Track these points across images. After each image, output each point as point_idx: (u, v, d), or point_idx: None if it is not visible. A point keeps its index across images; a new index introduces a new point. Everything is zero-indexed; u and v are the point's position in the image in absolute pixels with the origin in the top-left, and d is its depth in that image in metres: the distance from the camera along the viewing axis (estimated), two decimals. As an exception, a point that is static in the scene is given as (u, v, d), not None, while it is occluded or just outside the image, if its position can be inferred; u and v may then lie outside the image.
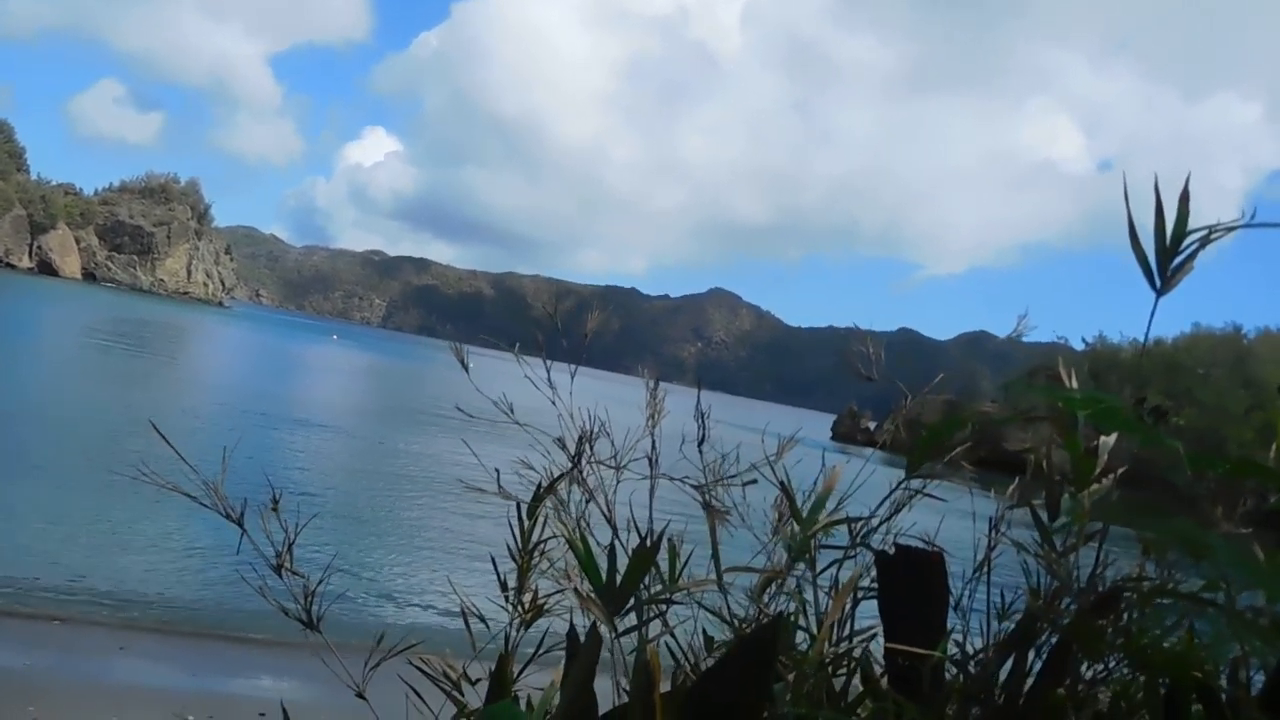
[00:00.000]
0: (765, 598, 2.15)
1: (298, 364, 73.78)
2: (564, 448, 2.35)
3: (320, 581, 2.48)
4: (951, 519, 2.24)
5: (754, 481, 2.29)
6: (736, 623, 2.13)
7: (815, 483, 2.16)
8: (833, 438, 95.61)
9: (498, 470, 2.39)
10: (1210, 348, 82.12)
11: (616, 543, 2.01)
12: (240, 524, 2.44)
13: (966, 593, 2.06)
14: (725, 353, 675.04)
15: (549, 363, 2.57)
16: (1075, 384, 2.13)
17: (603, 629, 1.86)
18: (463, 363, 2.47)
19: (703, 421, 2.61)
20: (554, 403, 2.37)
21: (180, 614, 11.02)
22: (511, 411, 2.42)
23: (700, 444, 2.57)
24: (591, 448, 2.31)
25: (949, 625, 1.97)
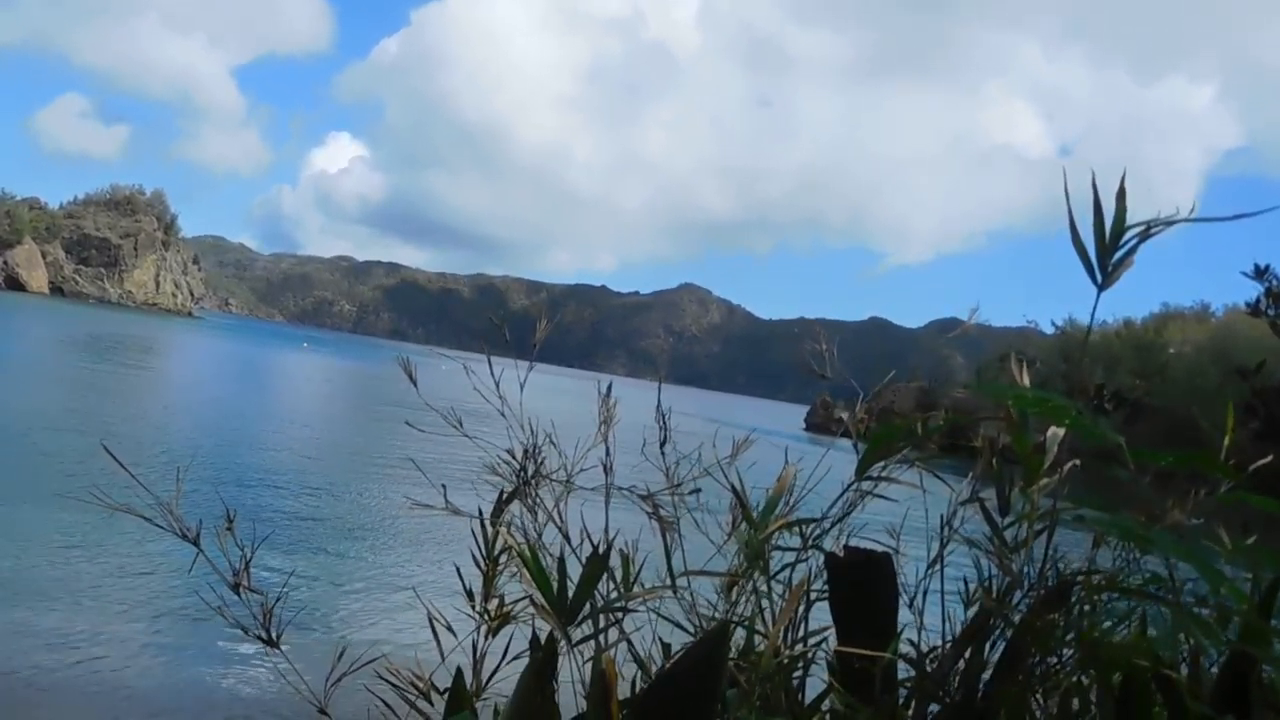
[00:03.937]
0: (725, 602, 2.15)
1: (268, 374, 73.29)
2: (515, 459, 2.35)
3: (278, 598, 2.46)
4: (916, 510, 2.24)
5: (697, 491, 2.29)
6: (695, 628, 2.13)
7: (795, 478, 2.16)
8: (806, 429, 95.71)
9: (444, 486, 2.37)
10: (1180, 326, 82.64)
11: (566, 553, 2.01)
12: (196, 543, 2.42)
13: (922, 589, 2.06)
14: (697, 347, 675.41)
15: (517, 364, 2.56)
16: (1035, 371, 2.14)
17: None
18: (410, 375, 2.45)
19: (664, 422, 2.60)
20: (503, 414, 2.36)
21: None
22: (461, 425, 2.41)
23: (662, 445, 2.56)
24: (537, 463, 2.30)
25: (904, 623, 1.98)
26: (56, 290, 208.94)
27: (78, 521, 14.06)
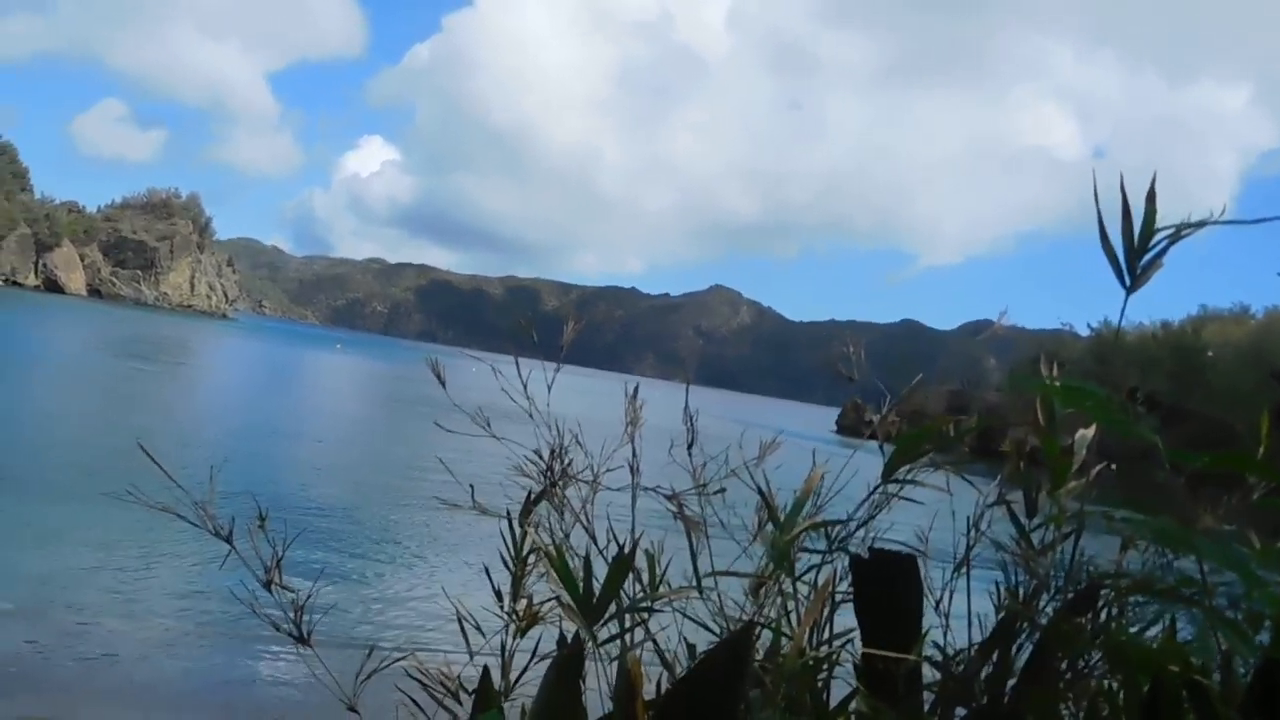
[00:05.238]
0: (753, 603, 2.15)
1: (305, 375, 74.08)
2: (542, 460, 2.36)
3: (309, 596, 2.48)
4: (944, 513, 2.23)
5: (722, 490, 2.29)
6: (720, 629, 2.13)
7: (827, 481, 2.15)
8: (838, 431, 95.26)
9: (471, 486, 2.39)
10: (1219, 328, 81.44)
11: (593, 553, 2.02)
12: (229, 540, 2.44)
13: (949, 592, 2.06)
14: (727, 349, 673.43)
15: (544, 364, 2.58)
16: (1068, 374, 2.13)
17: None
18: (439, 376, 2.47)
19: (691, 423, 2.61)
20: (531, 415, 2.37)
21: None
22: (489, 425, 2.43)
23: (690, 447, 2.57)
24: (563, 463, 2.31)
25: (931, 625, 1.97)
26: (94, 292, 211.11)
27: (116, 519, 14.22)
